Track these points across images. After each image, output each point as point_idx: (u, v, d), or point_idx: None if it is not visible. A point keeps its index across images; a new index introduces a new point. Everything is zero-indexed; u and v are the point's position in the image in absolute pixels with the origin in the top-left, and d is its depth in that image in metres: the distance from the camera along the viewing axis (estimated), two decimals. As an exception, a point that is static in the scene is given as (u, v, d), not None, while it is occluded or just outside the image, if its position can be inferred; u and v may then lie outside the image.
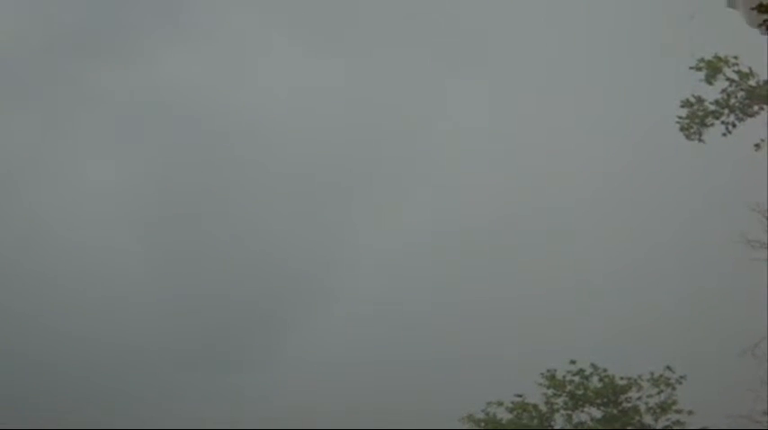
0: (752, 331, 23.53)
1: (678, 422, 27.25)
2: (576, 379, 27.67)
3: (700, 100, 25.89)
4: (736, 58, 25.65)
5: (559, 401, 27.83)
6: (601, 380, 27.65)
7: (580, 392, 27.61)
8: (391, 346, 34.64)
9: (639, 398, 27.64)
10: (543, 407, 27.87)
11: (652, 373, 27.49)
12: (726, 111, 25.65)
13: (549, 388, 27.79)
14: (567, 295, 31.31)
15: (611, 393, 27.51)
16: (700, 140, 26.03)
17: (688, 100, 26.19)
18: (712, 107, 25.85)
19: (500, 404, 27.89)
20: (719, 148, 27.75)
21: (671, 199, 29.98)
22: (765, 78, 25.80)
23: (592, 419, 27.61)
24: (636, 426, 27.36)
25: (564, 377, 27.75)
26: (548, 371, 27.94)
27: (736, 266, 25.18)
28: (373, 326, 35.11)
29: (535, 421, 27.58)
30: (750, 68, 25.57)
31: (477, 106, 36.77)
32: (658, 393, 27.44)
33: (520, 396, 27.74)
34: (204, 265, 36.97)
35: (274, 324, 36.41)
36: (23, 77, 37.64)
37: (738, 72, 25.65)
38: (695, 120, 25.85)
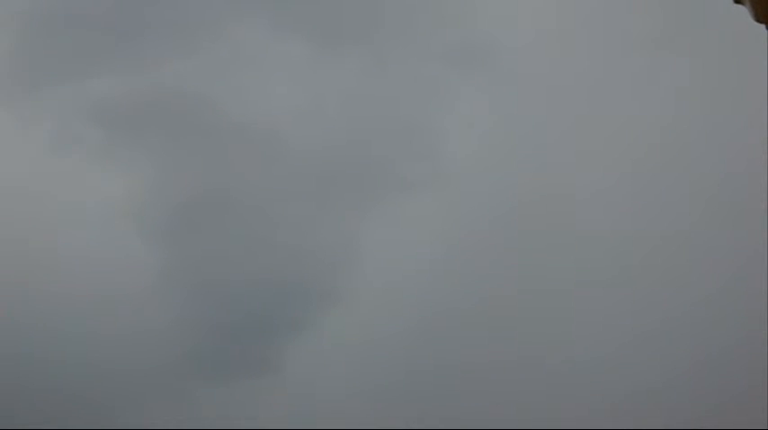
0: (759, 331, 23.56)
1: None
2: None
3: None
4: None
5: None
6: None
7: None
8: (393, 351, 34.74)
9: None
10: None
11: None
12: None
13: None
14: (570, 295, 31.35)
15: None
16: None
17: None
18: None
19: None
20: (720, 147, 27.82)
21: (677, 196, 30.00)
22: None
23: None
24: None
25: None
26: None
27: (741, 264, 25.23)
28: (377, 331, 35.23)
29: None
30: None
31: (482, 108, 36.80)
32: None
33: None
34: (207, 272, 37.11)
35: (277, 330, 36.57)
36: (26, 87, 37.77)
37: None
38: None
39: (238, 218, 37.10)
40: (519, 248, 35.27)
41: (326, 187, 37.57)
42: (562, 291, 32.79)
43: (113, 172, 36.66)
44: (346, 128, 37.78)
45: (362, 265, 36.73)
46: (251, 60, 38.29)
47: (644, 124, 33.35)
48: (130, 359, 34.88)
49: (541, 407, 31.18)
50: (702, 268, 27.18)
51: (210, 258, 36.79)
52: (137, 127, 37.43)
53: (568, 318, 32.12)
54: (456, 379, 33.50)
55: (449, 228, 36.42)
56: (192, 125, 37.26)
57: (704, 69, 31.15)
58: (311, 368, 35.11)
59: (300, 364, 35.32)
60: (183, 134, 37.58)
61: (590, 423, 27.98)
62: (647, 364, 27.12)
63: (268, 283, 36.56)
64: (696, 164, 28.29)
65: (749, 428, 23.58)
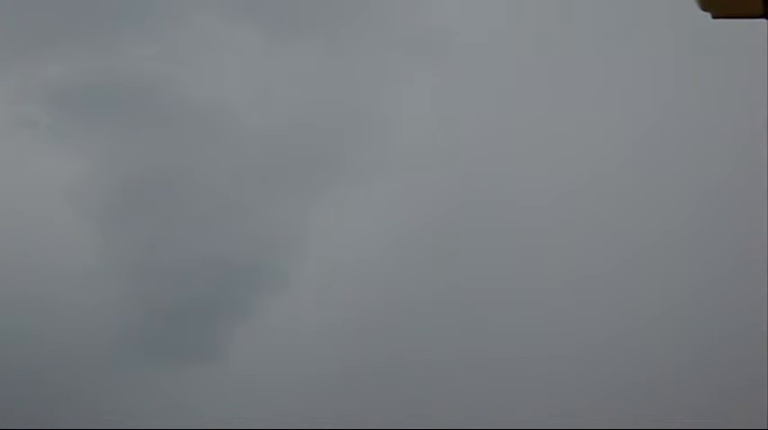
0: (759, 331, 23.59)
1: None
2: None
3: None
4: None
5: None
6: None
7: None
8: (339, 339, 34.14)
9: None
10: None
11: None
12: None
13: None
14: (558, 292, 31.09)
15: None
16: None
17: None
18: None
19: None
20: (716, 146, 27.91)
21: (667, 197, 30.07)
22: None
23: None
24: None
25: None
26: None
27: (735, 263, 25.28)
28: (323, 319, 34.58)
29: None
30: None
31: (437, 99, 36.39)
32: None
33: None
34: (152, 253, 36.02)
35: (222, 314, 35.67)
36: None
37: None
38: None
39: (186, 199, 36.33)
40: (472, 242, 34.99)
41: (276, 172, 36.98)
42: (522, 288, 32.55)
43: (62, 153, 35.65)
44: (299, 113, 37.26)
45: (311, 252, 36.09)
46: (205, 44, 37.70)
47: (605, 123, 33.46)
48: (65, 336, 33.67)
49: (500, 405, 30.88)
50: (696, 268, 27.26)
51: (156, 239, 35.91)
52: (88, 109, 36.53)
53: (533, 314, 31.87)
54: (406, 371, 33.11)
55: (399, 218, 35.99)
56: (144, 108, 36.47)
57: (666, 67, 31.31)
58: (256, 353, 34.33)
59: (245, 350, 34.48)
60: (135, 117, 36.77)
61: (563, 423, 27.73)
62: (637, 364, 26.98)
63: (213, 266, 35.78)
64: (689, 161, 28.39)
65: (749, 428, 23.58)
